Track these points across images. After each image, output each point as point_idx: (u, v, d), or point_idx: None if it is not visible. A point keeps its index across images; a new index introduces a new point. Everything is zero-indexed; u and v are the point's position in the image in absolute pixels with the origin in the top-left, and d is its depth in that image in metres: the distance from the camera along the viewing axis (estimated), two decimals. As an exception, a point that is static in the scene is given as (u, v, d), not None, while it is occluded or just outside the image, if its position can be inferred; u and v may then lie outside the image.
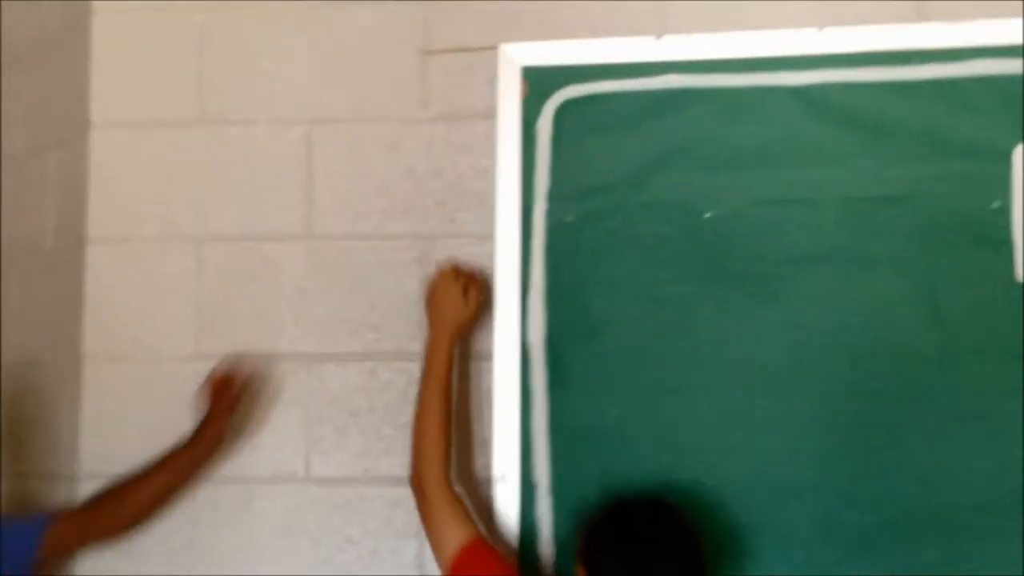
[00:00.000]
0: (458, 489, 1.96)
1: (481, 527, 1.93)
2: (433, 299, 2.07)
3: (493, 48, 2.16)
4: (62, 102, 2.37)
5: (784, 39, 2.08)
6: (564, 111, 2.12)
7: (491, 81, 2.16)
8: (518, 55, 2.15)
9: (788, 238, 2.03)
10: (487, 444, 2.08)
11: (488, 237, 2.13)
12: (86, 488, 2.12)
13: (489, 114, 2.15)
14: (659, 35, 2.12)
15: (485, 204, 2.14)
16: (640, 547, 1.74)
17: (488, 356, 2.10)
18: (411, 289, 2.15)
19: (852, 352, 2.00)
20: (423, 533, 2.06)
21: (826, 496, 1.98)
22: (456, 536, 1.87)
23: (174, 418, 2.10)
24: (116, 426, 2.14)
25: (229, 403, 2.10)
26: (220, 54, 2.26)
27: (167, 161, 2.25)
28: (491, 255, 2.12)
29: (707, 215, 2.05)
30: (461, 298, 2.05)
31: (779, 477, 1.99)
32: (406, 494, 2.08)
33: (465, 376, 2.11)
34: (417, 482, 1.95)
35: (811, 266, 2.02)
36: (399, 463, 2.11)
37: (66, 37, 2.38)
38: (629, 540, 1.75)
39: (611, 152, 2.10)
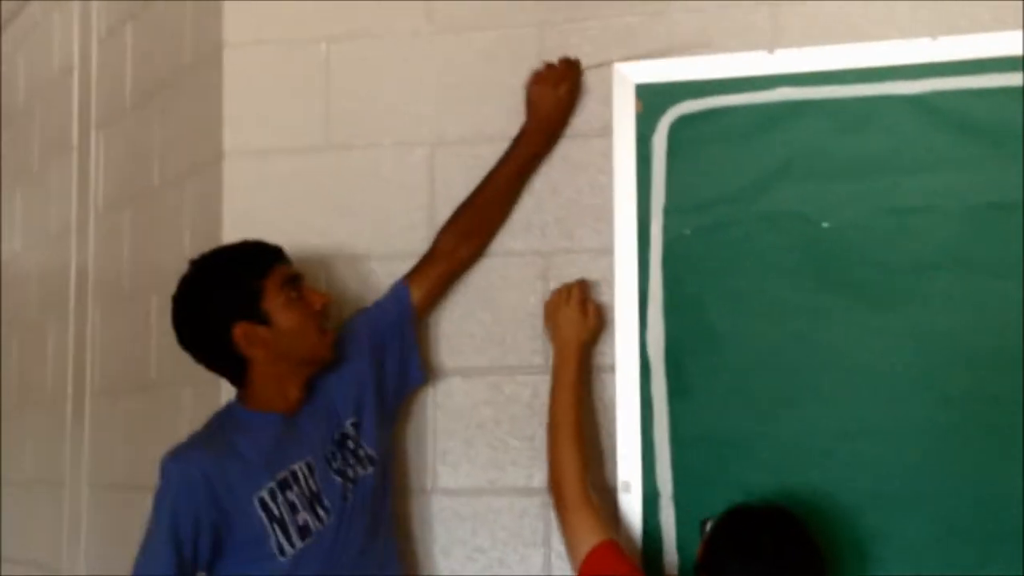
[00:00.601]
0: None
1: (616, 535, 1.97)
2: (554, 322, 2.12)
3: (607, 67, 2.20)
4: (197, 132, 2.47)
5: (897, 49, 2.08)
6: (679, 126, 2.15)
7: (606, 99, 2.19)
8: (632, 73, 2.18)
9: (907, 246, 2.03)
10: (611, 455, 2.12)
11: (606, 252, 2.17)
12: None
13: (605, 131, 2.19)
14: (772, 49, 2.13)
15: (603, 219, 2.18)
16: (763, 558, 1.75)
17: (609, 368, 2.14)
18: (533, 304, 2.19)
19: (974, 359, 1.99)
20: (550, 542, 2.12)
21: (950, 504, 1.97)
22: (589, 539, 1.92)
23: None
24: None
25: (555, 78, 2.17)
26: (344, 82, 2.33)
27: (297, 185, 2.32)
28: (609, 269, 2.16)
29: (825, 225, 2.06)
30: (580, 317, 2.10)
31: (902, 485, 1.99)
32: (532, 504, 2.14)
33: (588, 388, 2.15)
34: (556, 489, 2.00)
35: (931, 274, 2.02)
36: (525, 474, 2.16)
37: (199, 71, 2.48)
38: (752, 550, 1.77)
39: (727, 165, 2.12)
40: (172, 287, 2.10)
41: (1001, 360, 1.98)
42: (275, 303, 1.95)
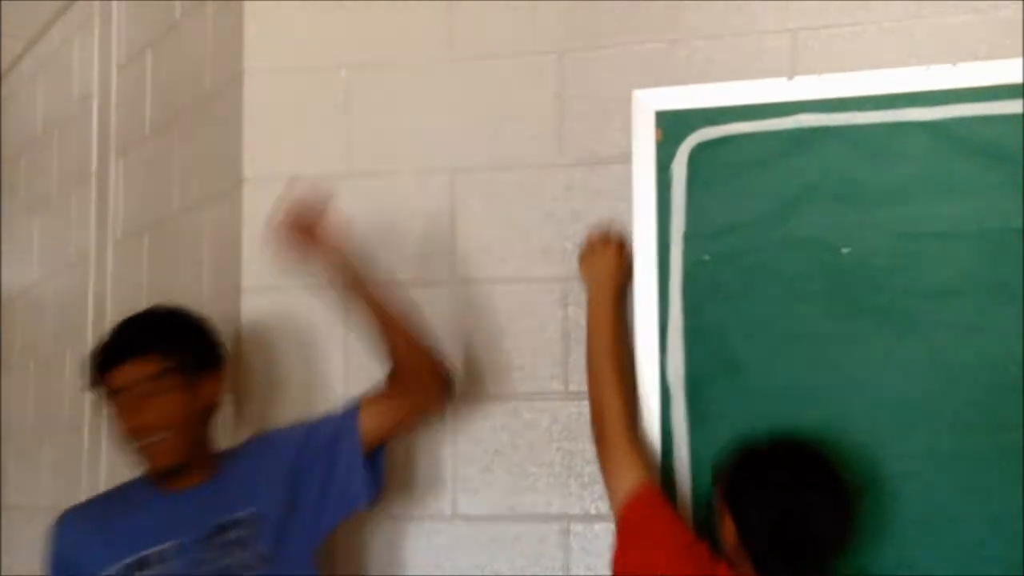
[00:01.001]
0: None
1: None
2: (590, 263, 2.14)
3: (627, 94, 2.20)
4: (216, 159, 2.48)
5: (916, 76, 2.08)
6: (698, 153, 2.15)
7: (625, 126, 2.20)
8: (651, 100, 2.18)
9: (927, 272, 2.02)
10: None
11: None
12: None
13: (624, 158, 2.19)
14: (791, 76, 2.13)
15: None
16: (792, 489, 1.77)
17: (630, 396, 2.13)
18: (552, 330, 2.20)
19: (994, 385, 1.98)
20: (569, 568, 2.11)
21: (971, 529, 1.96)
22: (629, 479, 1.93)
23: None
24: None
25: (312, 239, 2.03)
26: (364, 110, 2.34)
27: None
28: (629, 296, 2.14)
29: (845, 251, 2.05)
30: (619, 258, 2.12)
31: (923, 511, 1.97)
32: (551, 530, 2.13)
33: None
34: (598, 427, 2.01)
35: (951, 300, 2.01)
36: (543, 500, 2.16)
37: (219, 98, 2.50)
38: (780, 483, 1.79)
39: (747, 191, 2.12)
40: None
41: (1020, 387, 1.96)
42: (106, 404, 1.99)
